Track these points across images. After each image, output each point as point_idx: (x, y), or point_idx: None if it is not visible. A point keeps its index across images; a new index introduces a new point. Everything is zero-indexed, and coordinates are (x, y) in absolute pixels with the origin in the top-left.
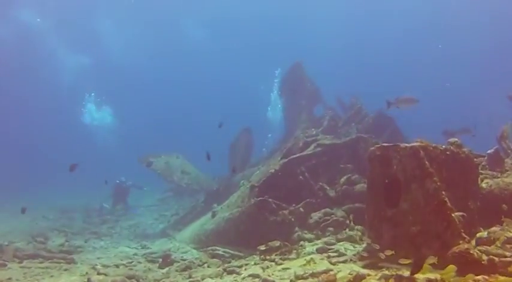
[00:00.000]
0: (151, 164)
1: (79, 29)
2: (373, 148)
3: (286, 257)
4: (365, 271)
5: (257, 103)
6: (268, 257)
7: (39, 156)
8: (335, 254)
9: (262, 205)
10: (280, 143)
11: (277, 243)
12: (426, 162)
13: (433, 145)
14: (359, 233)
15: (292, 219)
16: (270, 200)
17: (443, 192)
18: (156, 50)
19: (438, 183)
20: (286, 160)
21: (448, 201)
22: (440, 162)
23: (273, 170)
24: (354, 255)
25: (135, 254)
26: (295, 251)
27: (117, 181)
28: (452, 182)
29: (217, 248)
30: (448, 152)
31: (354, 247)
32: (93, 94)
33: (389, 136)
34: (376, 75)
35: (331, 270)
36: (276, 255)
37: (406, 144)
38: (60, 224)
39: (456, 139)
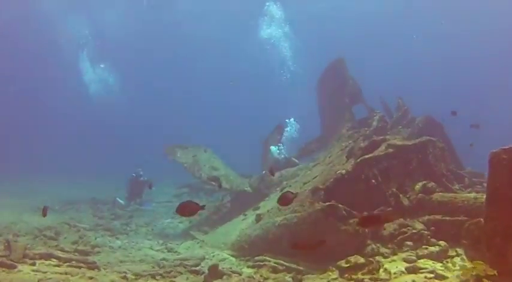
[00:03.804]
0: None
1: None
2: (497, 150)
3: (375, 277)
4: None
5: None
6: (354, 277)
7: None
8: (431, 276)
9: (331, 211)
10: (316, 142)
11: (361, 260)
12: None
13: None
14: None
15: (366, 230)
16: (341, 205)
17: None
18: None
19: None
20: (358, 160)
21: None
22: None
23: (343, 171)
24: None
25: (164, 259)
26: (382, 269)
27: (134, 174)
28: None
29: (267, 258)
30: None
31: (441, 266)
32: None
33: None
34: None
35: None
36: (362, 274)
37: None
38: (68, 217)
39: None
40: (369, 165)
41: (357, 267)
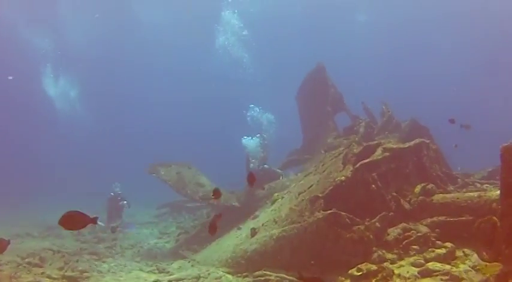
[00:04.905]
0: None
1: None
2: (508, 144)
3: None
4: None
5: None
6: None
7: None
8: (446, 278)
9: (334, 219)
10: (299, 153)
11: (373, 267)
12: None
13: None
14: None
15: (371, 237)
16: (343, 213)
17: None
18: (111, 34)
19: None
20: (357, 166)
21: None
22: None
23: (342, 178)
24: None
25: (158, 281)
26: (395, 275)
27: (112, 193)
28: None
29: (267, 272)
30: None
31: (456, 268)
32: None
33: None
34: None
35: None
36: (376, 281)
37: None
38: (50, 243)
39: None
40: (368, 170)
41: (370, 275)
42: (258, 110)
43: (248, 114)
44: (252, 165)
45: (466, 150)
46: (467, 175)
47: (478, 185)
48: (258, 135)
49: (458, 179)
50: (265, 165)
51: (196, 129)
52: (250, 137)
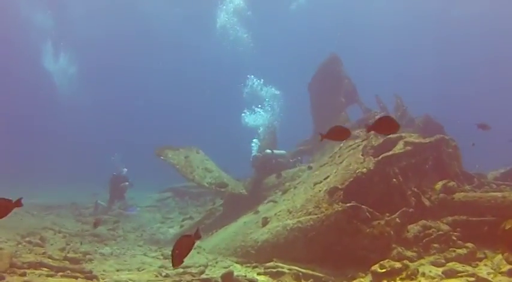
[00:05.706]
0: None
1: None
2: None
3: None
4: None
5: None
6: None
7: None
8: (473, 279)
9: (354, 213)
10: (309, 144)
11: (396, 264)
12: None
13: None
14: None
15: (392, 233)
16: (363, 207)
17: None
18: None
19: None
20: (380, 158)
21: None
22: None
23: (364, 170)
24: None
25: (163, 267)
26: (420, 274)
27: (115, 173)
28: None
29: (279, 264)
30: None
31: (478, 269)
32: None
33: None
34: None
35: None
36: (400, 279)
37: None
38: (50, 223)
39: None
40: (389, 164)
41: (393, 273)
42: (258, 82)
43: (245, 88)
44: (253, 152)
45: (474, 150)
46: (481, 175)
47: (494, 186)
48: (260, 106)
49: (475, 178)
50: (268, 150)
51: (196, 110)
52: (250, 112)
